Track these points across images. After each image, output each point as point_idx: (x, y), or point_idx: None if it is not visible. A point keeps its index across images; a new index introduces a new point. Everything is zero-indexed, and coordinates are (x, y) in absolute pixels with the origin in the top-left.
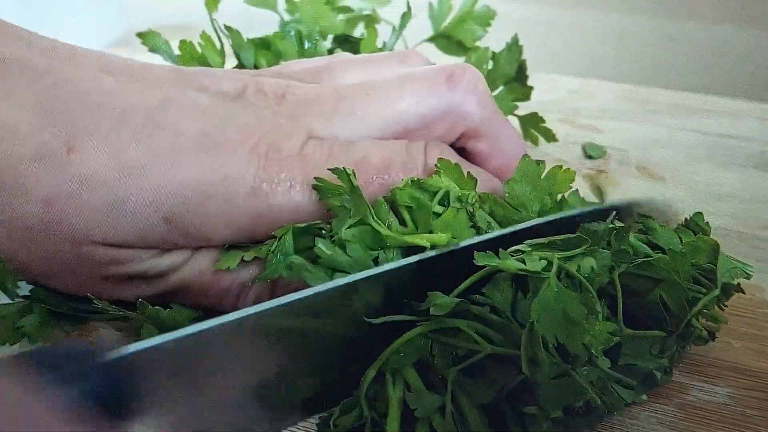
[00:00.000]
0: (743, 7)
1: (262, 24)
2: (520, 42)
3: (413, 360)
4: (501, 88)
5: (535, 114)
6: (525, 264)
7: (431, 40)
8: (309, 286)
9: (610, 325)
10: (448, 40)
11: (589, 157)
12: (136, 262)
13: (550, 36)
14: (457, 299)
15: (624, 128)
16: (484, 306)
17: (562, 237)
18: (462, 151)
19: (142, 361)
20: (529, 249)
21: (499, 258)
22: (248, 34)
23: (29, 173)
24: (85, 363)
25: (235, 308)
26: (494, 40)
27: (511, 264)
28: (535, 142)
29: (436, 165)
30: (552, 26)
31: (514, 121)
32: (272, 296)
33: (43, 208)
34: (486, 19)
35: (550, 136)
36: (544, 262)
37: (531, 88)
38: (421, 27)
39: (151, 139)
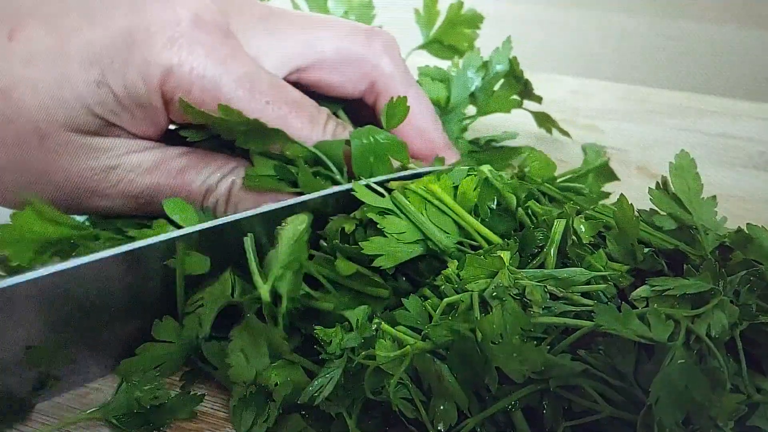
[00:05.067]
0: (743, 7)
1: None
2: (521, 42)
3: (522, 405)
4: (500, 82)
5: (544, 113)
6: (649, 326)
7: (424, 46)
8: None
9: (738, 396)
10: (440, 45)
11: None
12: (107, 154)
13: (550, 36)
14: (582, 363)
15: (624, 128)
16: (604, 363)
17: (693, 282)
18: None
19: None
20: (655, 295)
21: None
22: None
23: None
24: None
25: (201, 209)
26: (497, 41)
27: (634, 331)
28: (549, 131)
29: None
30: (552, 26)
31: (526, 116)
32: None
33: (2, 102)
34: (474, 21)
35: (563, 132)
36: (670, 325)
37: (536, 92)
38: (413, 34)
39: (84, 6)
